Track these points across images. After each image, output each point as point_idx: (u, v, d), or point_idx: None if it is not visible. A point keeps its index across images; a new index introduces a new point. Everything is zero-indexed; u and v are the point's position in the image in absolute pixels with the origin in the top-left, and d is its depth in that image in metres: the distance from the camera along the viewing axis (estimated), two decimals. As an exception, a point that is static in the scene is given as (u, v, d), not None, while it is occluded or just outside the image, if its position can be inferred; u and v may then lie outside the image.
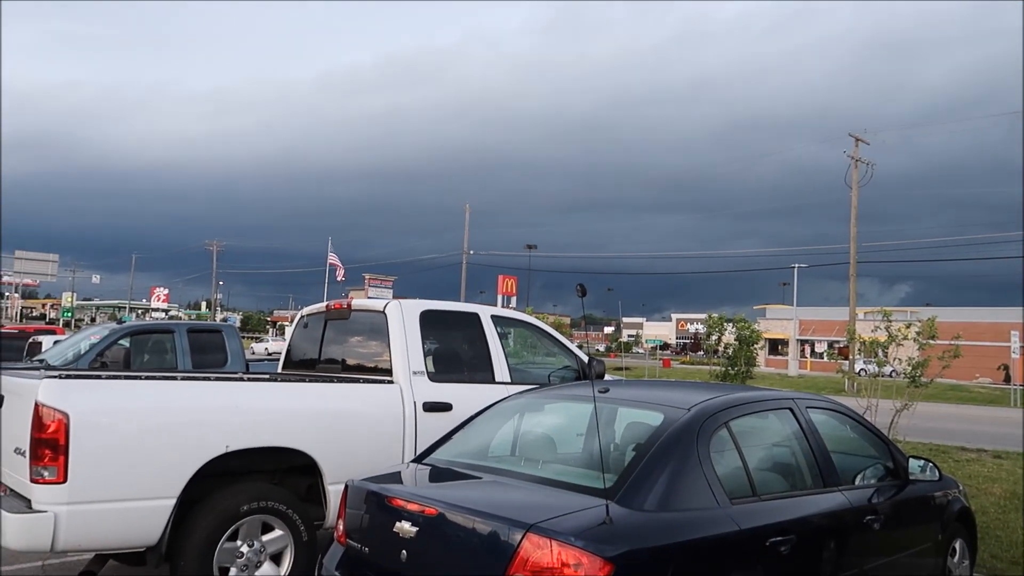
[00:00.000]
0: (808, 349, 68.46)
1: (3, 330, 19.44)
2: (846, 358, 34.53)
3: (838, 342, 60.91)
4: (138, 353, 10.64)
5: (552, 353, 7.16)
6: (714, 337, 21.92)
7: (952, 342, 10.09)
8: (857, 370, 28.27)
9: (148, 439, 4.43)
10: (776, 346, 69.52)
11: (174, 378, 5.24)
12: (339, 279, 43.41)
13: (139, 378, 5.05)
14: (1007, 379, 41.75)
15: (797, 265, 60.57)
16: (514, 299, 44.11)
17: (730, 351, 21.24)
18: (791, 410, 4.38)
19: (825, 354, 66.15)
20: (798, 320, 64.74)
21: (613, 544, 2.92)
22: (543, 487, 3.57)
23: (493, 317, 6.56)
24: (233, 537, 4.70)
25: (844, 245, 40.83)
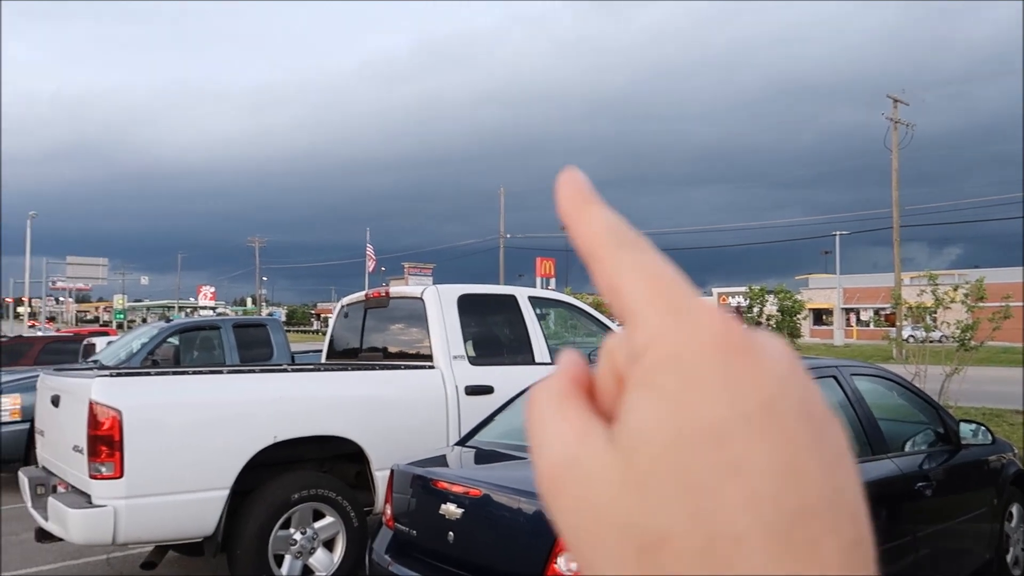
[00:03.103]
0: (854, 317, 67.22)
1: (59, 333, 20.06)
2: (893, 325, 33.84)
3: (884, 309, 59.69)
4: (187, 350, 10.89)
5: (592, 332, 7.15)
6: (756, 309, 21.64)
7: (1003, 303, 9.80)
8: (905, 336, 27.74)
9: (199, 433, 4.54)
10: (820, 316, 68.38)
11: (221, 372, 5.36)
12: (370, 271, 43.94)
13: (187, 373, 5.17)
14: (1064, 339, 40.48)
15: (839, 232, 59.40)
16: (553, 281, 44.03)
17: (773, 323, 20.95)
18: (835, 378, 4.32)
19: (871, 322, 64.89)
20: (842, 288, 63.52)
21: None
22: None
23: (531, 298, 6.57)
24: (286, 525, 4.81)
25: (887, 210, 39.88)
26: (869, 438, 4.14)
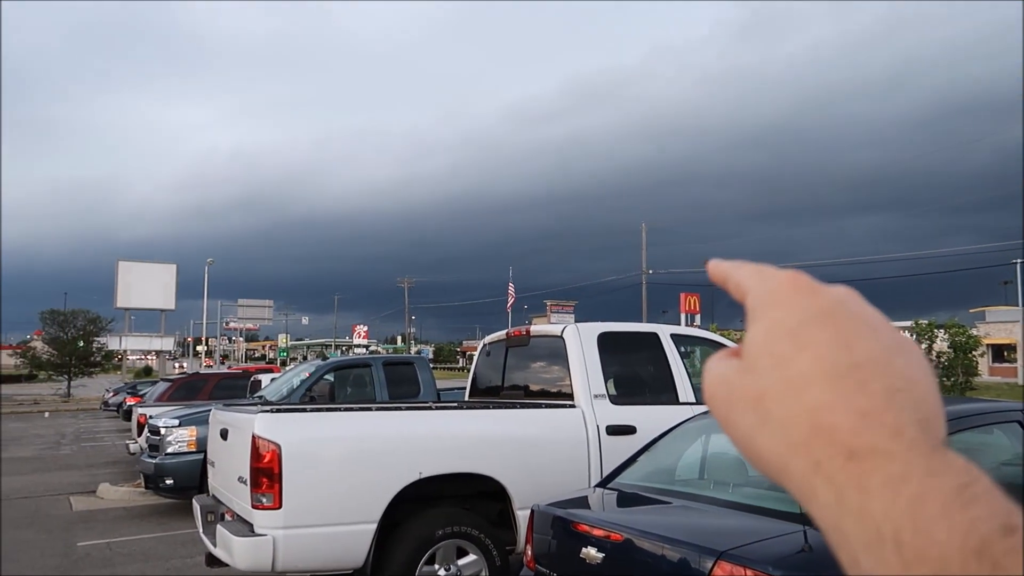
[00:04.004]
0: (1042, 354, 60.60)
1: (229, 370, 21.77)
2: (1091, 362, 30.24)
3: (1079, 344, 53.47)
4: (341, 386, 11.44)
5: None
6: (923, 346, 19.99)
7: None
8: (1106, 375, 24.62)
9: (350, 467, 4.73)
10: (1001, 352, 62.22)
11: (370, 409, 5.58)
12: (507, 306, 45.12)
13: (339, 410, 5.42)
14: None
15: (1020, 260, 54.12)
16: (698, 317, 42.88)
17: (944, 360, 19.24)
18: (1020, 423, 3.89)
19: (1064, 359, 58.21)
20: (1026, 322, 57.60)
21: (813, 574, 2.72)
22: (734, 512, 3.40)
23: (673, 336, 6.40)
24: (431, 561, 4.88)
25: (1078, 234, 35.90)
26: (1064, 492, 3.68)
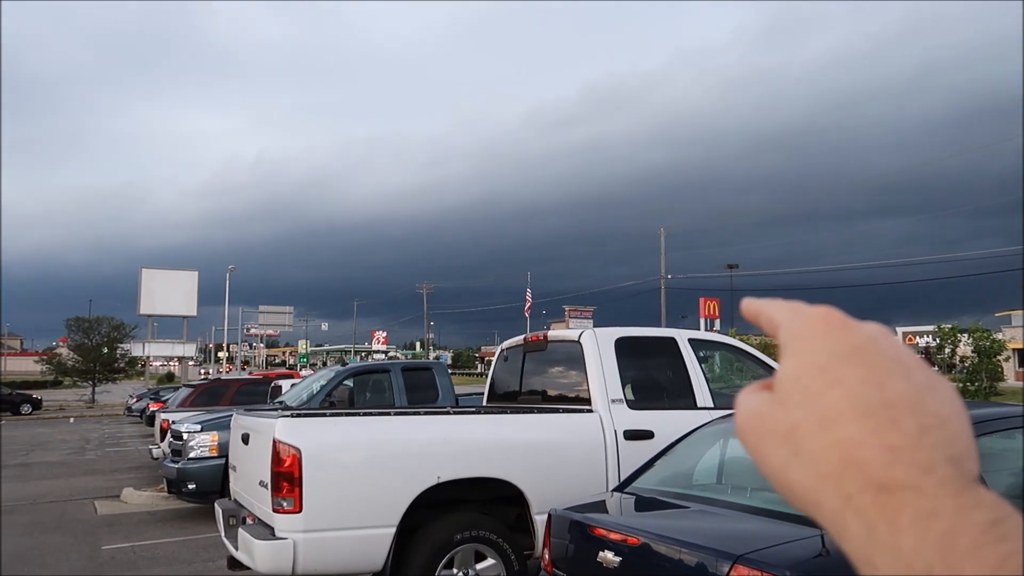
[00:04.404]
0: (1069, 358, 59.51)
1: (250, 376, 21.99)
2: (1120, 367, 29.69)
3: (1108, 349, 52.49)
4: (360, 392, 11.51)
5: (758, 376, 6.84)
6: (947, 350, 19.70)
7: None
8: None
9: (369, 471, 4.77)
10: (1028, 357, 61.16)
11: (388, 414, 5.63)
12: (524, 312, 45.20)
13: (359, 415, 5.46)
14: None
15: (1042, 264, 53.22)
16: (717, 322, 42.67)
17: (968, 365, 18.96)
18: (1042, 428, 3.85)
19: (1092, 363, 57.14)
20: (1053, 326, 56.60)
21: (831, 578, 2.72)
22: (752, 516, 3.40)
23: (691, 341, 6.39)
24: (449, 565, 4.91)
25: (1105, 236, 35.27)
26: (1087, 497, 3.63)
